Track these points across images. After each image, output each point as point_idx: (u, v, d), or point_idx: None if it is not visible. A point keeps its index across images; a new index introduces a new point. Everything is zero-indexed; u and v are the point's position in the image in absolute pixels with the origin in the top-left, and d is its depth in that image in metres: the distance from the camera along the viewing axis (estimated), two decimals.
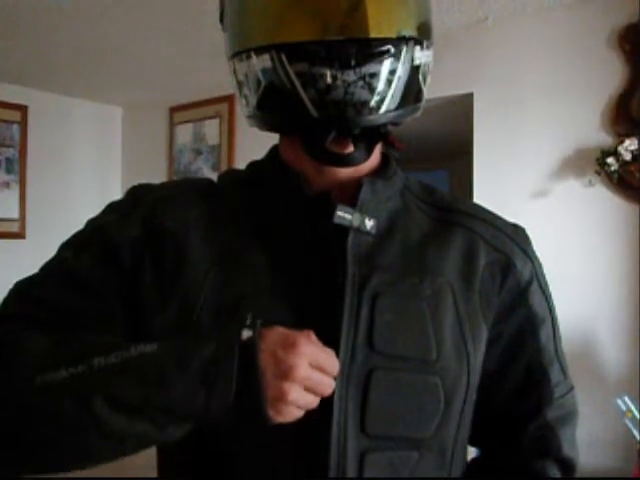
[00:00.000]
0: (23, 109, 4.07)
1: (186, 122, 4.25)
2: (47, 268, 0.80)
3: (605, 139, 2.50)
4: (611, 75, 2.51)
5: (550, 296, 0.87)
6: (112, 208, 0.84)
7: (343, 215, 0.75)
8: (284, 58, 0.71)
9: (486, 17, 2.80)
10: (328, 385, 0.66)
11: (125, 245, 0.78)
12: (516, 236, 0.87)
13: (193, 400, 0.63)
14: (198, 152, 4.20)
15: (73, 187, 4.35)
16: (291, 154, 0.82)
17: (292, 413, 0.64)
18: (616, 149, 2.40)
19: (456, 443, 0.79)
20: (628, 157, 2.37)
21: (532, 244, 0.88)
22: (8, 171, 4.00)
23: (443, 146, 4.78)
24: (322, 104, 0.71)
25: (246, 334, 0.64)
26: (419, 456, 0.75)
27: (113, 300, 0.77)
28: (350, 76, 0.69)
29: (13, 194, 4.02)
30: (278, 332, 0.65)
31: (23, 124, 4.07)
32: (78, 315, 0.76)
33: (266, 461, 0.72)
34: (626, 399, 2.11)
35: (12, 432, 0.66)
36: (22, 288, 0.78)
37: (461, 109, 3.02)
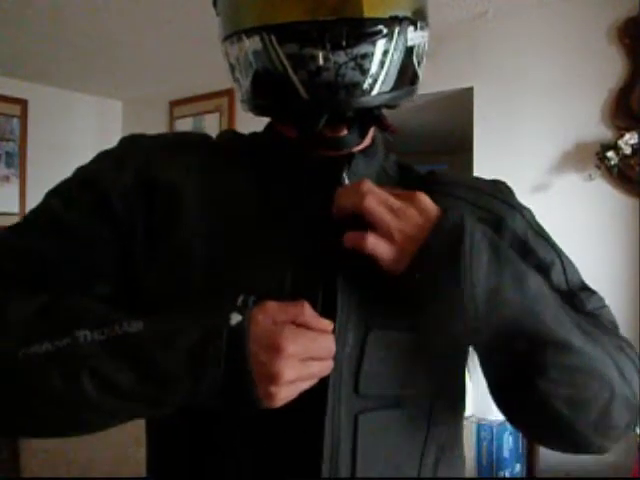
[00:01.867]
0: (23, 103, 4.06)
1: (186, 116, 4.25)
2: (32, 216, 0.78)
3: (605, 133, 2.50)
4: (611, 69, 2.50)
5: (549, 237, 0.85)
6: (104, 156, 0.82)
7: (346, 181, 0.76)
8: (274, 39, 0.70)
9: (486, 11, 2.79)
10: (324, 369, 0.66)
11: (117, 195, 0.75)
12: (498, 193, 0.86)
13: (180, 386, 0.62)
14: None
15: None
16: (288, 132, 0.81)
17: (284, 400, 0.64)
18: (616, 143, 2.40)
19: (437, 398, 0.78)
20: (628, 151, 2.37)
21: (515, 195, 0.87)
22: (8, 165, 4.00)
23: (443, 140, 4.77)
24: (313, 86, 0.70)
25: (235, 319, 0.63)
26: (401, 414, 0.74)
27: (103, 250, 0.74)
28: (341, 57, 0.68)
29: (13, 188, 4.02)
30: (262, 327, 0.63)
31: (23, 118, 4.07)
32: (65, 266, 0.74)
33: (257, 428, 0.71)
34: None
35: None
36: (5, 240, 0.76)
37: (461, 103, 3.02)
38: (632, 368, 0.74)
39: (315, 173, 0.77)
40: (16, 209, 4.01)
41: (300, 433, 0.71)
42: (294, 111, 0.76)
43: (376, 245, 0.67)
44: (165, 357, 0.62)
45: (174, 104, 4.32)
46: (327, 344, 0.66)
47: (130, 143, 0.83)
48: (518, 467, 2.48)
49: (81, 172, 0.81)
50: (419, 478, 0.75)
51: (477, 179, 0.88)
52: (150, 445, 0.83)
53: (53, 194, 0.79)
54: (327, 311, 0.70)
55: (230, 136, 0.89)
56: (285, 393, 0.63)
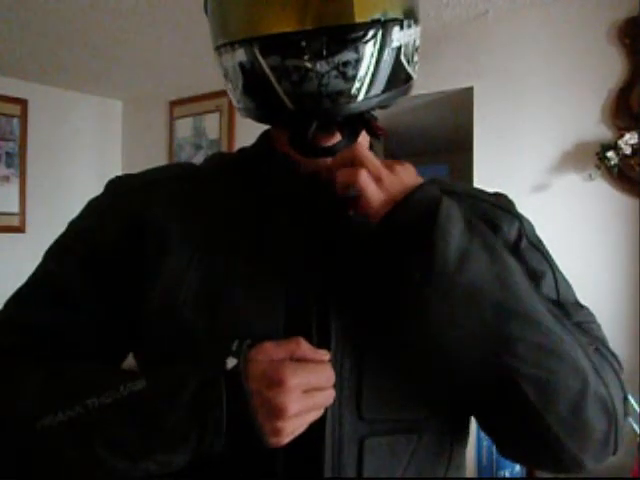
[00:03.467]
0: (23, 103, 4.07)
1: (186, 116, 4.25)
2: (32, 282, 0.81)
3: (605, 133, 2.50)
4: (611, 69, 2.50)
5: (547, 251, 0.84)
6: (91, 208, 0.84)
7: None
8: (257, 51, 0.70)
9: (486, 11, 2.79)
10: (327, 398, 0.67)
11: (106, 247, 0.78)
12: (497, 201, 0.86)
13: (188, 436, 0.63)
14: (198, 146, 4.20)
15: (73, 181, 4.35)
16: (280, 139, 0.82)
17: (291, 435, 0.65)
18: (616, 143, 2.40)
19: (456, 423, 0.78)
20: (628, 151, 2.37)
21: (515, 207, 0.87)
22: (8, 165, 4.00)
23: (443, 140, 4.77)
24: (297, 97, 0.70)
25: (231, 363, 0.64)
26: (418, 439, 0.74)
27: (101, 306, 0.77)
28: (323, 66, 0.68)
29: (13, 188, 4.02)
30: (262, 365, 0.64)
31: (23, 118, 4.07)
32: (66, 332, 0.77)
33: (258, 451, 0.72)
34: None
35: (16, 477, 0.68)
36: (9, 315, 0.79)
37: (461, 103, 3.02)
38: (611, 373, 0.73)
39: (306, 200, 0.78)
40: (16, 209, 4.01)
41: (302, 460, 0.71)
42: (283, 121, 0.77)
43: (367, 183, 0.68)
44: (169, 410, 0.64)
45: (174, 104, 4.32)
46: (326, 373, 0.67)
47: (114, 188, 0.85)
48: (518, 467, 2.48)
49: (72, 229, 0.84)
50: (420, 478, 0.75)
51: (477, 189, 0.88)
52: None
53: (50, 256, 0.82)
54: (321, 335, 0.71)
55: (215, 163, 0.89)
56: (292, 427, 0.63)
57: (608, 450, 0.72)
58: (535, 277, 0.80)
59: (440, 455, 0.77)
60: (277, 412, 0.62)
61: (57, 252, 0.81)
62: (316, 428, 0.69)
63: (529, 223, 0.86)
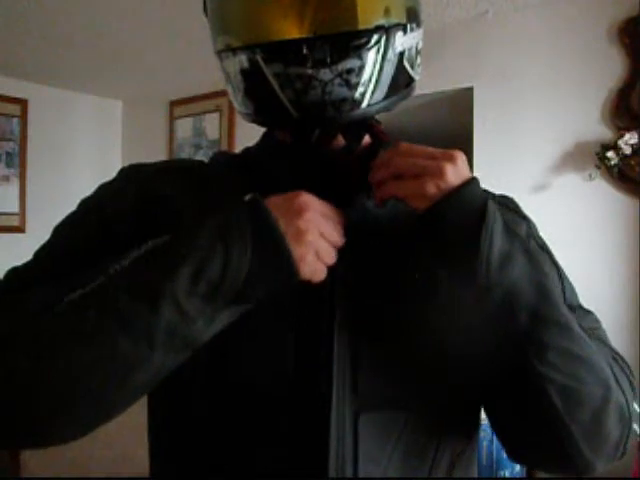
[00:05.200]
0: (23, 103, 4.07)
1: (186, 116, 4.25)
2: (40, 252, 0.78)
3: (605, 133, 2.50)
4: (611, 69, 2.51)
5: (552, 253, 0.85)
6: (104, 187, 0.83)
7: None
8: (260, 59, 0.69)
9: (486, 11, 2.79)
10: (332, 255, 0.67)
11: (120, 217, 0.76)
12: (506, 202, 0.86)
13: (213, 256, 0.61)
14: (198, 146, 4.20)
15: (73, 181, 4.35)
16: (285, 137, 0.81)
17: (315, 264, 0.65)
18: (616, 143, 2.40)
19: (451, 407, 0.77)
20: (628, 151, 2.37)
21: (521, 208, 0.87)
22: (8, 165, 4.00)
23: (443, 140, 4.76)
24: (301, 104, 0.69)
25: (248, 197, 0.65)
26: (406, 417, 0.74)
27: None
28: (327, 74, 0.67)
29: (13, 188, 4.02)
30: (279, 199, 0.65)
31: (23, 118, 4.07)
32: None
33: (264, 426, 0.72)
34: None
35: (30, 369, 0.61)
36: (15, 273, 0.76)
37: (461, 103, 3.02)
38: (627, 381, 0.74)
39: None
40: (16, 209, 4.01)
41: (308, 434, 0.71)
42: (285, 127, 0.77)
43: (451, 174, 0.67)
44: (195, 234, 0.63)
45: (174, 104, 4.32)
46: (335, 233, 0.68)
47: (128, 170, 0.84)
48: (518, 467, 2.48)
49: (83, 204, 0.82)
50: (425, 478, 0.75)
51: (485, 189, 0.88)
52: (152, 446, 0.83)
53: (60, 228, 0.80)
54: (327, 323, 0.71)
55: (221, 162, 0.89)
56: (311, 256, 0.64)
57: (618, 454, 0.73)
58: None
59: (430, 438, 0.76)
60: (298, 234, 0.63)
61: (68, 225, 0.79)
62: (322, 400, 0.70)
63: (534, 224, 0.86)
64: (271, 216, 0.63)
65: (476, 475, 0.86)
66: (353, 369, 0.72)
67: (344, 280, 0.73)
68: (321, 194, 0.71)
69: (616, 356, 0.77)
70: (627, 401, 0.71)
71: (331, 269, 0.69)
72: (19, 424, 0.63)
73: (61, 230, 0.79)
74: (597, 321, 0.83)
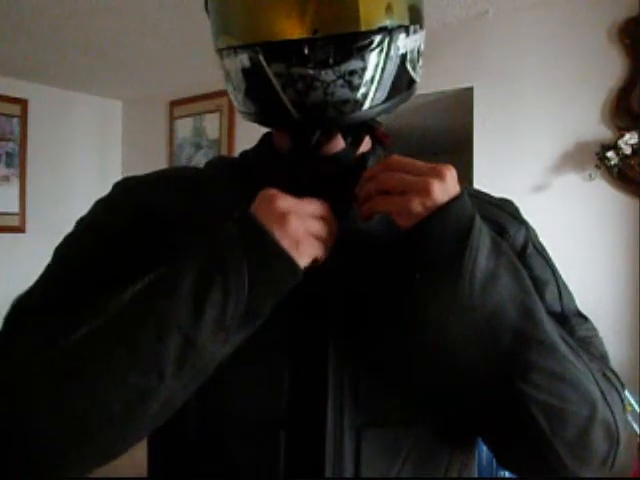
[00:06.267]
0: (23, 103, 4.07)
1: (186, 116, 4.25)
2: (44, 278, 0.79)
3: (605, 133, 2.50)
4: (611, 69, 2.51)
5: (550, 259, 0.84)
6: (98, 204, 0.83)
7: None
8: (262, 58, 0.69)
9: (486, 11, 2.79)
10: (321, 227, 0.67)
11: (117, 232, 0.77)
12: (504, 206, 0.86)
13: (212, 285, 0.62)
14: (198, 146, 4.20)
15: (73, 181, 4.35)
16: (282, 141, 0.81)
17: (310, 246, 0.65)
18: (616, 143, 2.40)
19: (459, 418, 0.76)
20: (628, 151, 2.37)
21: (521, 212, 0.86)
22: (8, 165, 4.00)
23: (443, 140, 4.77)
24: (302, 105, 0.69)
25: (236, 214, 0.66)
26: (417, 431, 0.74)
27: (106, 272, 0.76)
28: (329, 75, 0.67)
29: (13, 188, 4.02)
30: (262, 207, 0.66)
31: (23, 118, 4.07)
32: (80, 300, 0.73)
33: (259, 443, 0.71)
34: (626, 393, 2.12)
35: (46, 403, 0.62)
36: (20, 305, 0.76)
37: (461, 103, 3.02)
38: (617, 397, 0.73)
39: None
40: (16, 209, 4.01)
41: (303, 449, 0.71)
42: (285, 127, 0.76)
43: (439, 192, 0.66)
44: (191, 264, 0.64)
45: (174, 104, 4.32)
46: (314, 204, 0.68)
47: (122, 184, 0.84)
48: None
49: (80, 224, 0.82)
50: (420, 478, 0.75)
51: (484, 192, 0.88)
52: (151, 447, 0.83)
53: (59, 249, 0.81)
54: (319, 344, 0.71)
55: (217, 169, 0.88)
56: (302, 238, 0.65)
57: (606, 468, 0.73)
58: (539, 285, 0.79)
59: (440, 451, 0.76)
60: (280, 218, 0.64)
61: (66, 246, 0.80)
62: (318, 415, 0.69)
63: (533, 230, 0.86)
64: (259, 227, 0.63)
65: (476, 475, 0.86)
66: (352, 388, 0.72)
67: (338, 299, 0.73)
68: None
69: (607, 370, 0.76)
70: (615, 418, 0.71)
71: (324, 284, 0.71)
72: (35, 461, 0.64)
73: (62, 253, 0.80)
74: (593, 329, 0.83)
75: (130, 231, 0.77)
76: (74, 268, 0.77)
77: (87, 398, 0.61)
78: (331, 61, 0.66)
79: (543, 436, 0.67)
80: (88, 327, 0.63)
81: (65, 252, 0.79)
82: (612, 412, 0.70)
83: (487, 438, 0.76)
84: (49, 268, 0.79)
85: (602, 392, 0.70)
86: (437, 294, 0.66)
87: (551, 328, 0.68)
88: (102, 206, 0.82)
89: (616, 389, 0.74)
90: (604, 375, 0.74)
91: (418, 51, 0.77)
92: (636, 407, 2.08)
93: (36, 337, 0.66)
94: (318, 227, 0.67)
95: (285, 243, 0.63)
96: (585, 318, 0.83)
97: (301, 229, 0.65)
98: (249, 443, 0.71)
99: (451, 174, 0.67)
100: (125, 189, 0.83)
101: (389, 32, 0.70)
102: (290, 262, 0.64)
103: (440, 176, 0.66)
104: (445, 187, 0.66)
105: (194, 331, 0.61)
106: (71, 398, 0.61)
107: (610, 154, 2.40)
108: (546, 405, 0.67)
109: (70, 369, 0.62)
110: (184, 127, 4.28)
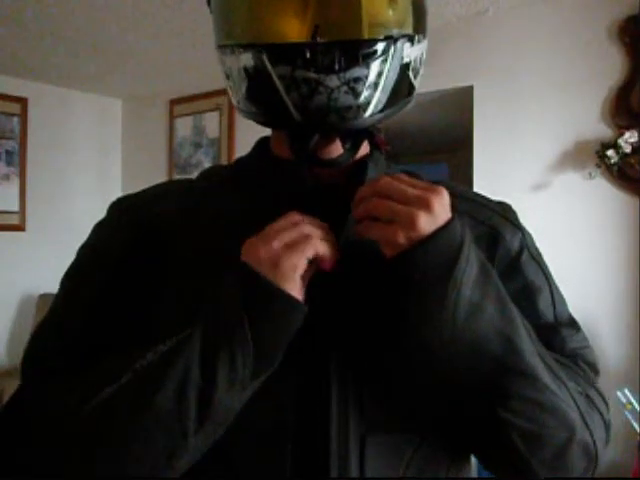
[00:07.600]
0: (23, 101, 4.07)
1: (186, 115, 4.25)
2: (54, 312, 0.80)
3: (605, 131, 2.50)
4: (611, 67, 2.51)
5: (545, 265, 0.84)
6: (98, 228, 0.84)
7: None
8: (266, 59, 0.69)
9: (486, 9, 2.79)
10: (304, 246, 0.66)
11: (119, 254, 0.78)
12: (502, 210, 0.85)
13: (218, 351, 0.63)
14: (198, 145, 4.20)
15: (73, 180, 4.35)
16: (281, 146, 0.81)
17: (289, 271, 0.65)
18: (616, 141, 2.40)
19: (462, 426, 0.77)
20: (628, 149, 2.37)
21: (518, 218, 0.87)
22: (8, 163, 4.00)
23: (443, 139, 4.77)
24: (305, 109, 0.68)
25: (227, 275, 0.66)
26: (420, 440, 0.74)
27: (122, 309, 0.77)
28: (334, 81, 0.67)
29: (13, 186, 4.02)
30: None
31: (23, 116, 4.07)
32: (96, 344, 0.75)
33: (265, 449, 0.71)
34: (626, 391, 2.12)
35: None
36: (34, 353, 0.78)
37: (461, 102, 3.02)
38: (598, 418, 0.74)
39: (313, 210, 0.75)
40: (16, 207, 4.01)
41: (308, 457, 0.71)
42: (286, 128, 0.76)
43: (424, 224, 0.65)
44: (197, 334, 0.65)
45: (174, 102, 4.32)
46: (288, 222, 0.68)
47: (117, 205, 0.85)
48: None
49: (82, 251, 0.83)
50: (420, 478, 0.75)
51: (482, 196, 0.87)
52: None
53: (66, 279, 0.81)
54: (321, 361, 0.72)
55: (210, 179, 0.88)
56: (279, 257, 0.65)
57: (586, 475, 0.75)
58: (533, 291, 0.81)
59: (441, 455, 0.77)
60: (272, 265, 0.64)
61: (72, 276, 0.81)
62: (321, 424, 0.70)
63: (530, 235, 0.86)
64: (254, 275, 0.64)
65: (472, 475, 0.86)
66: (357, 400, 0.72)
67: (339, 312, 0.73)
68: (313, 212, 0.71)
69: (590, 390, 0.77)
70: (594, 439, 0.72)
71: (323, 304, 0.71)
72: None
73: (69, 287, 0.80)
74: (584, 339, 0.83)
75: (135, 249, 0.78)
76: (85, 304, 0.77)
77: (116, 461, 0.64)
78: (336, 67, 0.66)
79: (521, 456, 0.69)
80: (111, 387, 0.64)
81: (73, 286, 0.80)
82: (591, 433, 0.72)
83: (473, 450, 0.79)
84: (57, 304, 0.80)
85: (582, 415, 0.71)
86: (421, 322, 0.66)
87: (533, 358, 0.68)
88: (102, 230, 0.83)
89: (598, 410, 0.76)
90: (587, 397, 0.75)
91: (421, 60, 0.77)
92: (636, 405, 2.09)
93: (56, 402, 0.68)
94: (312, 248, 0.66)
95: (279, 282, 0.64)
96: (577, 327, 0.84)
97: (289, 262, 0.65)
98: (255, 456, 0.72)
99: (440, 202, 0.65)
100: (122, 209, 0.83)
101: (395, 41, 0.70)
102: (291, 301, 0.64)
103: (427, 207, 0.64)
104: (432, 218, 0.64)
105: (211, 389, 0.63)
106: (99, 463, 0.64)
107: (610, 153, 2.40)
108: (525, 430, 0.68)
109: (96, 435, 0.64)
110: (184, 126, 4.28)
